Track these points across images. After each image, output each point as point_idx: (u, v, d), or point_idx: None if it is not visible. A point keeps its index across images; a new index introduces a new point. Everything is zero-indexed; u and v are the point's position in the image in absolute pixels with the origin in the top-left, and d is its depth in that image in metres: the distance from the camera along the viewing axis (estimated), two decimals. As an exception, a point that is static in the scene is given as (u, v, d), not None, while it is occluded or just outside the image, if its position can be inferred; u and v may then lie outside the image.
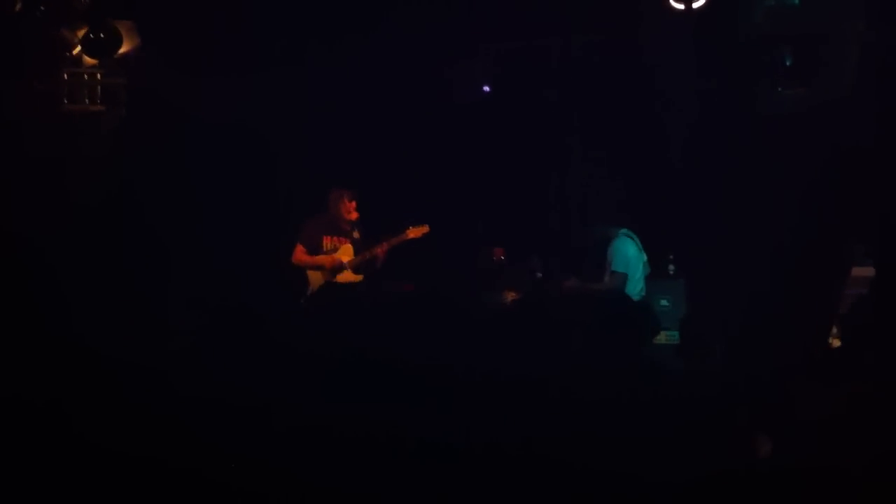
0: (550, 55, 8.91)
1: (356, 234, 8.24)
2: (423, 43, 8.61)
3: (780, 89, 7.67)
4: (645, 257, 8.01)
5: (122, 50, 8.27)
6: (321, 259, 8.15)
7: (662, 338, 7.56)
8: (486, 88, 9.38)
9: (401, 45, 8.58)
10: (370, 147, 9.04)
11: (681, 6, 7.86)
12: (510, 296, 8.39)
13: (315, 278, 8.16)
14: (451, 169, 9.25)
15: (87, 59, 8.33)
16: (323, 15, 8.17)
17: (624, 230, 7.95)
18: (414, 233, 8.08)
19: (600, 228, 8.03)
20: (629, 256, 7.83)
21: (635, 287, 7.83)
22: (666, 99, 8.50)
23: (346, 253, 8.19)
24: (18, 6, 7.87)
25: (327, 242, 8.22)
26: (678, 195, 8.40)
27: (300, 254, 8.19)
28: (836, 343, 6.61)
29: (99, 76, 8.42)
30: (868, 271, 7.25)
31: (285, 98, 8.82)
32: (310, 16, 8.15)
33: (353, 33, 8.46)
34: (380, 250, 8.12)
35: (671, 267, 8.69)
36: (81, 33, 8.20)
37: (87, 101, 8.44)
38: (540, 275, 8.51)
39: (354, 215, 8.25)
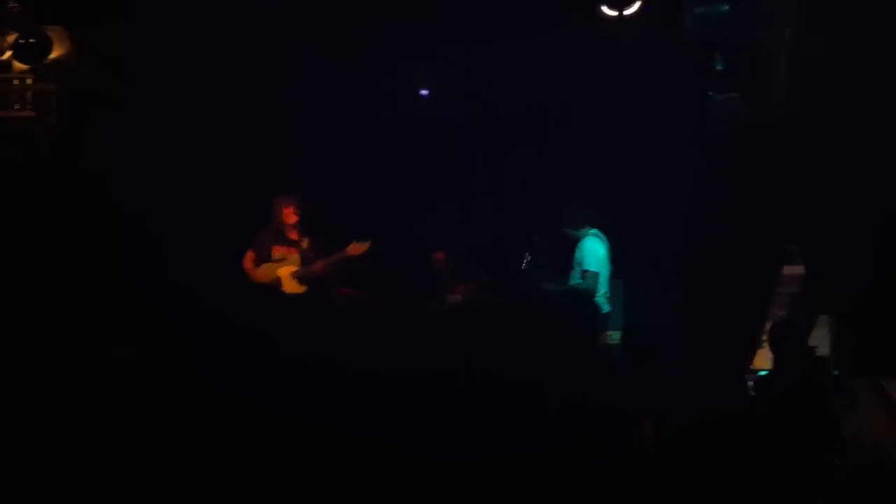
0: (495, 61, 8.96)
1: (304, 244, 8.25)
2: (368, 52, 8.63)
3: (711, 94, 7.91)
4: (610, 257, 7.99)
5: (53, 55, 8.14)
6: (261, 275, 8.17)
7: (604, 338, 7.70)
8: (425, 93, 9.44)
9: (346, 53, 8.58)
10: (319, 155, 9.06)
11: (613, 13, 8.03)
12: (455, 299, 8.47)
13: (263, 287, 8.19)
14: (400, 176, 9.31)
15: (18, 65, 8.18)
16: (267, 21, 8.14)
17: (594, 230, 7.93)
18: (354, 249, 8.10)
19: (571, 228, 7.97)
20: (600, 255, 7.80)
21: (601, 287, 7.84)
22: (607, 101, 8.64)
23: (293, 263, 8.20)
24: (-52, 12, 7.72)
25: (276, 252, 8.22)
26: (616, 197, 8.52)
27: (248, 261, 8.21)
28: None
29: (29, 82, 8.27)
30: (799, 270, 7.52)
31: (227, 105, 8.79)
32: (254, 21, 8.11)
33: (297, 43, 8.44)
34: (318, 267, 8.14)
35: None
36: (11, 38, 8.05)
37: (16, 106, 8.30)
38: (484, 274, 8.55)
39: (293, 219, 8.23)
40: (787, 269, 7.58)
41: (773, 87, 7.43)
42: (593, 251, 7.79)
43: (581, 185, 8.65)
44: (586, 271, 7.75)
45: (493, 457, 4.56)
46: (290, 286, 8.16)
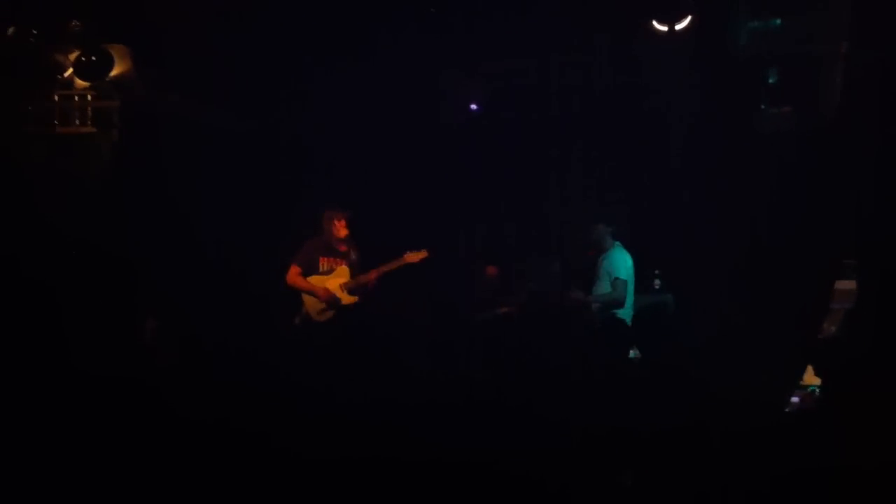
0: (538, 75, 8.99)
1: (353, 256, 8.21)
2: (414, 64, 8.71)
3: (764, 107, 7.83)
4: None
5: (114, 73, 8.34)
6: (316, 288, 8.07)
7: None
8: (474, 107, 9.48)
9: (392, 66, 8.67)
10: (366, 166, 9.16)
11: (664, 28, 7.99)
12: (503, 310, 8.53)
13: (310, 302, 8.17)
14: (446, 186, 9.37)
15: (79, 82, 8.40)
16: (316, 36, 8.27)
17: (618, 243, 7.87)
18: (412, 258, 8.08)
19: (596, 241, 7.93)
20: (629, 265, 7.76)
21: (628, 299, 7.76)
22: (657, 115, 8.63)
23: (342, 275, 8.14)
24: (11, 30, 7.96)
25: (324, 263, 8.15)
26: (666, 210, 8.50)
27: (294, 275, 8.12)
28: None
29: (90, 98, 8.49)
30: (852, 285, 7.37)
31: (280, 120, 8.93)
32: (304, 36, 8.24)
33: (346, 57, 8.55)
34: (374, 276, 8.14)
35: (657, 282, 8.77)
36: (74, 56, 8.29)
37: (77, 122, 8.52)
38: (533, 285, 8.56)
39: (344, 232, 8.18)
40: (841, 285, 7.44)
41: (826, 100, 7.33)
42: (622, 260, 7.75)
43: (629, 196, 8.66)
44: (616, 279, 7.68)
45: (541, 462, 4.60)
46: (342, 297, 8.15)
